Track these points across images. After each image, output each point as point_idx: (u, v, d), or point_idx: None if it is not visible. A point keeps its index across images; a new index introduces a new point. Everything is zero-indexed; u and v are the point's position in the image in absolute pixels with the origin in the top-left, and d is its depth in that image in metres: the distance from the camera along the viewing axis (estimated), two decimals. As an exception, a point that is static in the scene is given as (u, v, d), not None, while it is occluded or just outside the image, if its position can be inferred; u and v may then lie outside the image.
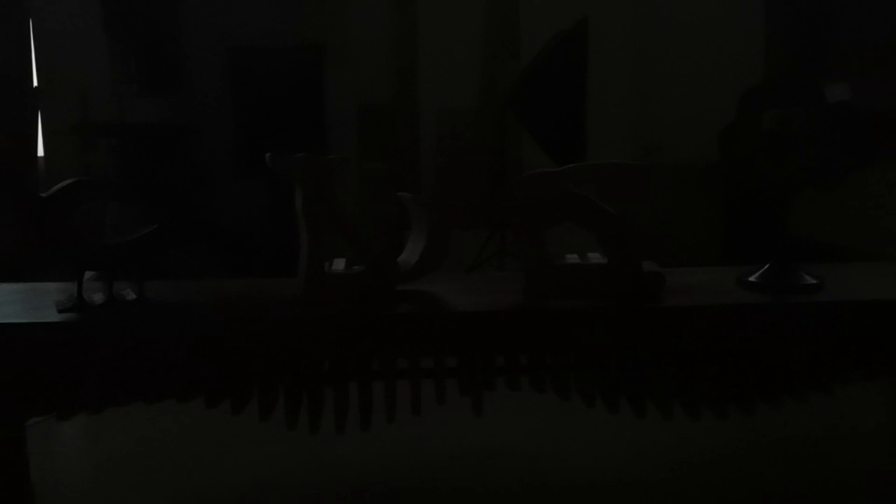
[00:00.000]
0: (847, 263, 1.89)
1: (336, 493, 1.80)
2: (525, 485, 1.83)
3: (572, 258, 1.61)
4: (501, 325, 1.43)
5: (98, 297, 1.45)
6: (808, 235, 2.93)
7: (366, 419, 1.45)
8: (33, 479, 1.48)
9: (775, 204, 1.56)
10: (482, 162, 3.47)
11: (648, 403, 1.48)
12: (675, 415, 1.48)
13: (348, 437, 1.46)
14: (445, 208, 1.66)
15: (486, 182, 3.47)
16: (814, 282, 1.54)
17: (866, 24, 3.21)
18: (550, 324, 1.42)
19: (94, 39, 3.61)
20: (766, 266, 1.56)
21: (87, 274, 1.44)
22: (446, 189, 3.54)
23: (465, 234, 2.26)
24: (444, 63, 3.61)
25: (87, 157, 3.64)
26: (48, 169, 3.57)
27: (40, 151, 3.59)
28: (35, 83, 3.56)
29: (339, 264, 1.55)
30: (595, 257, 1.59)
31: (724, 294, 1.52)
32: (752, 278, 1.56)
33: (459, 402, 1.45)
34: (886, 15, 3.11)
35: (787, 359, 1.46)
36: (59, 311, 1.39)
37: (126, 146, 3.55)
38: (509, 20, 3.70)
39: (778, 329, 1.45)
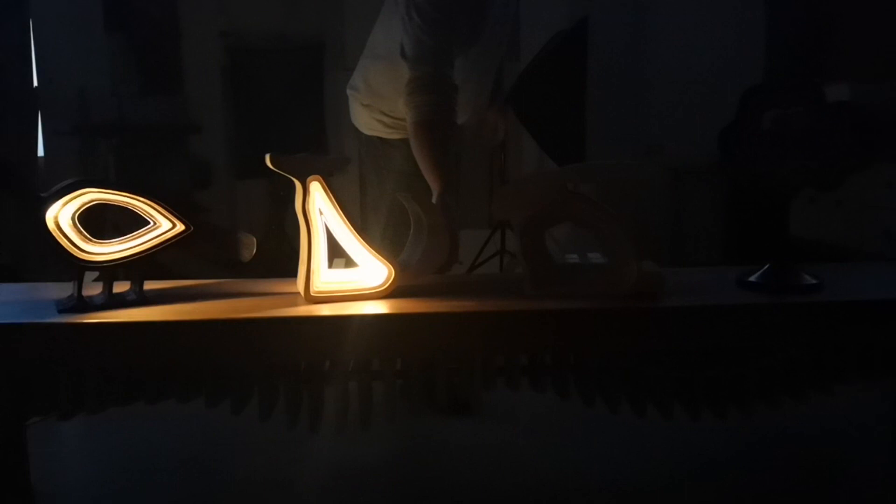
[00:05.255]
0: (847, 263, 1.89)
1: (336, 493, 1.80)
2: (524, 485, 1.83)
3: (572, 258, 1.61)
4: (501, 325, 1.42)
5: (98, 297, 1.45)
6: (808, 235, 2.93)
7: (366, 419, 1.45)
8: (33, 479, 1.47)
9: (775, 204, 1.56)
10: (482, 162, 3.47)
11: (648, 403, 1.48)
12: (675, 415, 1.48)
13: (348, 437, 1.46)
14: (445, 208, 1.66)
15: (487, 182, 3.47)
16: (814, 282, 1.54)
17: (866, 24, 3.21)
18: (550, 324, 1.42)
19: (94, 39, 3.61)
20: (766, 266, 1.56)
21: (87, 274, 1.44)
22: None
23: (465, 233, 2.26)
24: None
25: (87, 157, 3.64)
26: (48, 169, 3.57)
27: (40, 151, 3.59)
28: (35, 83, 3.55)
29: (339, 264, 1.55)
30: (595, 257, 1.59)
31: (724, 294, 1.52)
32: (752, 278, 1.56)
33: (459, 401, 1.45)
34: (886, 15, 3.11)
35: (787, 359, 1.46)
36: (59, 311, 1.39)
37: (126, 146, 3.55)
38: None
39: (778, 329, 1.45)
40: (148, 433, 2.07)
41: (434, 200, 1.76)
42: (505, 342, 1.44)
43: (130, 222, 1.47)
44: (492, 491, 1.80)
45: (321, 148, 3.68)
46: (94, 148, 3.62)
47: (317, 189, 1.46)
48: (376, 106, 2.10)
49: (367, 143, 2.17)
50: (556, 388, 1.47)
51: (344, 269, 1.53)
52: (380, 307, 1.45)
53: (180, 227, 1.47)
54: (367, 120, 2.14)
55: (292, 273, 1.50)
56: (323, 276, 1.47)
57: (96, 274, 1.46)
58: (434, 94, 1.82)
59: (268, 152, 1.43)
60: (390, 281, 1.50)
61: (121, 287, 1.48)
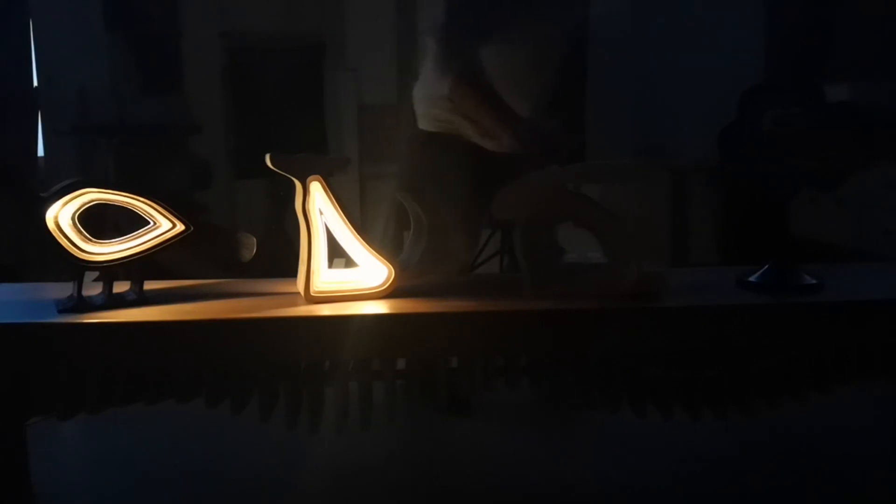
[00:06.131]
0: (847, 263, 1.89)
1: (336, 493, 1.80)
2: (524, 485, 1.83)
3: (572, 258, 1.61)
4: (501, 325, 1.42)
5: (98, 297, 1.45)
6: (808, 235, 2.93)
7: (366, 419, 1.45)
8: (33, 479, 1.47)
9: (775, 204, 1.56)
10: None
11: (648, 403, 1.48)
12: (675, 415, 1.48)
13: (348, 437, 1.46)
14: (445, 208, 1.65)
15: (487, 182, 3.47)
16: (814, 282, 1.54)
17: (866, 24, 3.21)
18: (550, 324, 1.42)
19: (94, 39, 3.61)
20: (766, 266, 1.56)
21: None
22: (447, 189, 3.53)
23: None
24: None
25: (87, 157, 3.63)
26: (48, 169, 3.56)
27: (40, 151, 3.59)
28: (35, 83, 3.55)
29: (339, 264, 1.55)
30: (595, 257, 1.59)
31: (724, 294, 1.52)
32: (752, 278, 1.56)
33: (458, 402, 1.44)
34: (886, 15, 3.11)
35: (787, 359, 1.46)
36: (59, 311, 1.39)
37: (126, 146, 3.55)
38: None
39: (778, 329, 1.45)
40: (148, 433, 2.07)
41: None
42: (505, 342, 1.44)
43: (130, 222, 1.47)
44: (491, 491, 1.80)
45: (321, 148, 3.68)
46: (94, 148, 3.62)
47: (317, 189, 1.46)
48: (427, 91, 2.10)
49: (423, 139, 2.17)
50: (556, 389, 1.47)
51: (344, 269, 1.53)
52: (380, 307, 1.45)
53: (180, 227, 1.47)
54: (420, 114, 2.16)
55: (292, 273, 1.50)
56: (323, 276, 1.47)
57: (96, 274, 1.46)
58: (467, 63, 1.87)
59: (268, 152, 1.43)
60: (390, 281, 1.50)
61: (121, 287, 1.48)
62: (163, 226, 1.47)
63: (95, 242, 1.43)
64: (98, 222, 1.49)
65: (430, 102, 2.10)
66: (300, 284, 1.47)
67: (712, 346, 1.46)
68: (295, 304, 1.46)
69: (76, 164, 3.62)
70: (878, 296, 1.51)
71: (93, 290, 1.46)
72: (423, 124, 2.14)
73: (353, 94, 3.75)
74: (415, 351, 1.43)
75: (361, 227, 1.51)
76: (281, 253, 1.78)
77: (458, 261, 2.03)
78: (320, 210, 1.47)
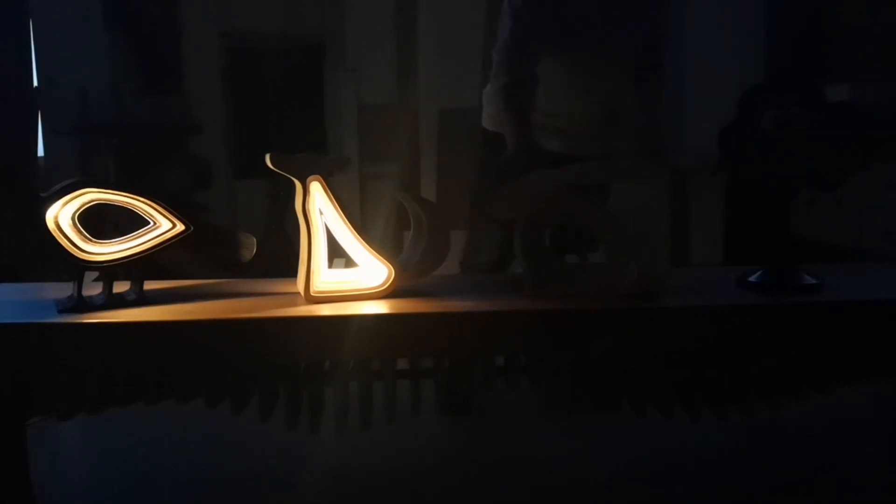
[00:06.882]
0: (847, 263, 1.88)
1: (336, 493, 1.80)
2: (523, 485, 1.83)
3: (572, 258, 1.61)
4: (501, 325, 1.42)
5: (98, 297, 1.45)
6: (809, 235, 2.93)
7: (366, 419, 1.45)
8: (33, 479, 1.47)
9: (775, 204, 1.56)
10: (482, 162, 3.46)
11: (648, 403, 1.48)
12: (675, 415, 1.48)
13: (348, 437, 1.46)
14: (445, 208, 1.66)
15: (487, 182, 3.47)
16: (814, 282, 1.54)
17: (866, 24, 3.21)
18: (550, 324, 1.42)
19: (94, 39, 3.60)
20: (767, 266, 1.56)
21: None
22: (447, 189, 3.54)
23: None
24: (444, 63, 3.60)
25: (87, 157, 3.63)
26: (48, 169, 3.56)
27: (40, 151, 3.59)
28: (35, 83, 3.55)
29: (339, 264, 1.55)
30: (595, 257, 1.59)
31: (724, 294, 1.52)
32: (752, 278, 1.56)
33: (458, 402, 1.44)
34: (886, 15, 3.11)
35: (787, 359, 1.46)
36: (59, 311, 1.39)
37: (126, 146, 3.54)
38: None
39: (778, 329, 1.45)
40: (148, 433, 2.07)
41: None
42: (504, 342, 1.44)
43: (130, 222, 1.47)
44: (491, 491, 1.80)
45: (321, 148, 3.67)
46: (94, 148, 3.62)
47: (317, 189, 1.46)
48: (488, 88, 2.17)
49: (482, 133, 2.28)
50: (556, 389, 1.47)
51: (344, 269, 1.53)
52: (380, 307, 1.45)
53: (180, 227, 1.47)
54: (484, 111, 2.26)
55: (292, 273, 1.50)
56: (323, 276, 1.48)
57: (96, 274, 1.46)
58: (514, 73, 1.96)
59: (268, 152, 1.43)
60: (390, 281, 1.50)
61: (121, 287, 1.48)
62: (163, 226, 1.47)
63: (95, 242, 1.43)
64: (98, 222, 1.49)
65: (487, 99, 2.20)
66: (300, 284, 1.47)
67: (712, 346, 1.46)
68: (295, 304, 1.46)
69: (76, 164, 3.61)
70: (878, 296, 1.51)
71: (93, 290, 1.46)
72: (483, 120, 2.26)
73: (353, 94, 3.75)
74: (415, 351, 1.43)
75: (361, 227, 1.51)
76: (281, 253, 1.78)
77: (491, 254, 2.07)
78: (320, 210, 1.47)
